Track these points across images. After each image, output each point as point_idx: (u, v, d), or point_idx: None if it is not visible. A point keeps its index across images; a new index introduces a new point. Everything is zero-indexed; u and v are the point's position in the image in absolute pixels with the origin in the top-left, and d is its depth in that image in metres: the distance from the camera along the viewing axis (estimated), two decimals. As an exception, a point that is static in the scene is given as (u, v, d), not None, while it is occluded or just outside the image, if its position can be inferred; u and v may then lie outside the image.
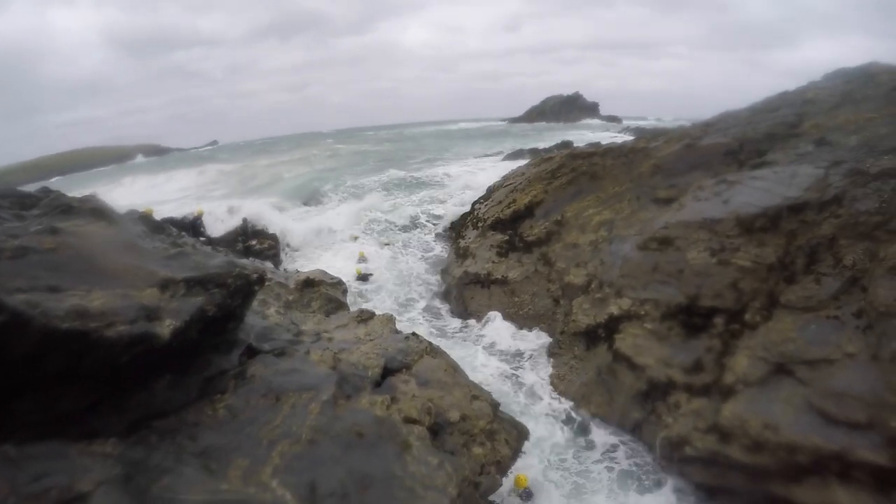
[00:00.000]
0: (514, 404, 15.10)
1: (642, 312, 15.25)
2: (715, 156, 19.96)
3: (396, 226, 33.34)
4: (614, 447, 13.81)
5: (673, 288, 15.06)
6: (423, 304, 23.94)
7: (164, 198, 46.86)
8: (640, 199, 19.48)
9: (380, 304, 22.87)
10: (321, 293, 16.16)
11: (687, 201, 17.48)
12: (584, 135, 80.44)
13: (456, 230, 28.75)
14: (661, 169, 20.72)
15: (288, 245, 30.68)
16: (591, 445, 13.94)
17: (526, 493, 11.64)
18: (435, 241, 30.90)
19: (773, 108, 22.68)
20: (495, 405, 11.05)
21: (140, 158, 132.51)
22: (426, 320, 22.08)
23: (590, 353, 16.31)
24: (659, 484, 12.56)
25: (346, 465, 7.27)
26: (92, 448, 5.59)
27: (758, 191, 15.97)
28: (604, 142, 30.97)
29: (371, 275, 26.09)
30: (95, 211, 8.33)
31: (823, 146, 17.46)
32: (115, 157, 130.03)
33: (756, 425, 11.28)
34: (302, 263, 27.17)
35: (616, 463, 13.37)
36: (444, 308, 23.40)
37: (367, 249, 29.03)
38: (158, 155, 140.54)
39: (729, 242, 14.80)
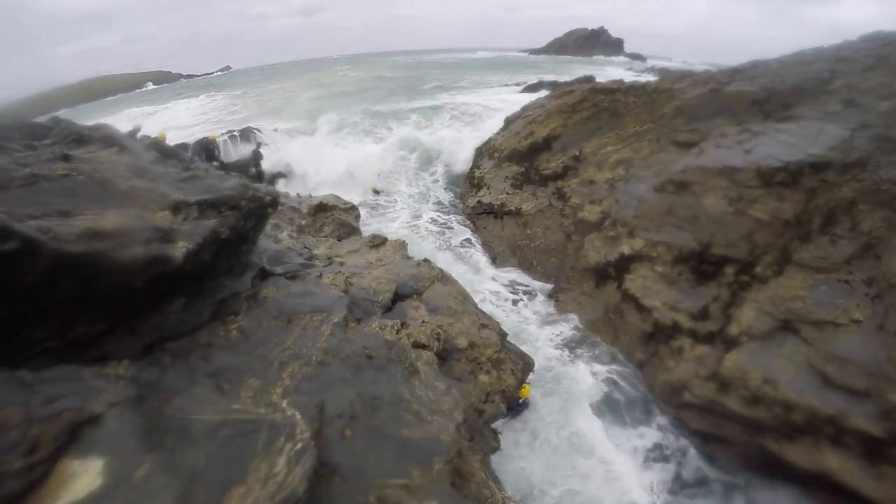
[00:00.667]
0: (517, 331, 15.23)
1: (654, 255, 15.33)
2: (741, 104, 19.50)
3: (413, 154, 32.90)
4: (612, 379, 14.04)
5: (687, 233, 15.05)
6: (433, 215, 24.22)
7: (176, 124, 46.57)
8: (660, 140, 19.24)
9: (393, 217, 23.17)
10: (334, 218, 16.29)
11: (708, 147, 17.23)
12: (606, 71, 78.38)
13: (472, 160, 28.48)
14: (683, 111, 20.38)
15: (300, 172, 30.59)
16: (590, 375, 14.15)
17: (523, 404, 11.86)
18: (449, 170, 30.57)
19: (805, 62, 21.94)
20: (503, 335, 11.19)
21: (150, 86, 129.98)
22: (435, 233, 22.43)
23: (598, 291, 16.46)
24: (648, 419, 12.89)
25: (355, 387, 7.41)
26: (106, 371, 5.70)
27: (782, 144, 15.69)
28: (627, 80, 30.16)
29: (382, 191, 26.63)
30: (107, 138, 8.35)
31: (852, 107, 16.94)
32: (124, 87, 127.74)
33: (756, 378, 11.46)
34: (314, 187, 27.07)
35: (612, 393, 13.62)
36: (455, 219, 23.71)
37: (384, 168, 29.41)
38: (169, 82, 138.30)
39: (747, 193, 14.67)
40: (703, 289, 14.08)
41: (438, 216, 24.23)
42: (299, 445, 5.33)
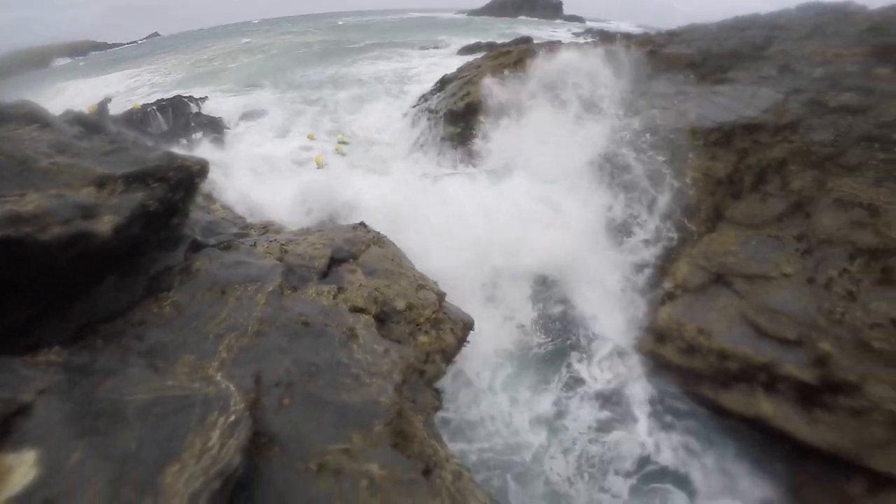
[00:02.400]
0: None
1: None
2: (676, 65, 19.94)
3: (350, 121, 32.19)
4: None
5: None
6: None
7: (104, 94, 44.64)
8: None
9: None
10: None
11: (643, 108, 17.59)
12: (544, 32, 78.37)
13: (408, 121, 28.25)
14: (621, 73, 20.69)
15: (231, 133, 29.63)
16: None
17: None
18: (394, 131, 30.06)
19: (742, 27, 22.61)
20: (441, 295, 11.25)
21: (63, 60, 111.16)
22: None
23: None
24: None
25: (292, 354, 7.41)
26: (37, 359, 5.63)
27: (716, 106, 16.22)
28: (565, 41, 30.24)
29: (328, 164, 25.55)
30: (28, 115, 8.07)
31: (787, 73, 17.72)
32: (32, 62, 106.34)
33: (691, 330, 12.01)
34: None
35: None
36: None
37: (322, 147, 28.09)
38: (97, 50, 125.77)
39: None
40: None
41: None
42: (233, 417, 5.37)
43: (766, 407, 11.06)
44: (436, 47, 60.08)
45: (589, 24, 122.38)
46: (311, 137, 26.06)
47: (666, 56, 20.69)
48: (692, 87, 17.98)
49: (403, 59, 50.02)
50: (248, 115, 31.37)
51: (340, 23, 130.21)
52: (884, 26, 19.06)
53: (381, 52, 56.23)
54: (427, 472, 7.18)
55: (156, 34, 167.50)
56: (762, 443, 11.48)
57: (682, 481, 11.45)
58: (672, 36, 24.52)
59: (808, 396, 10.82)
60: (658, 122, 16.64)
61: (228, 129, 28.95)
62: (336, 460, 5.99)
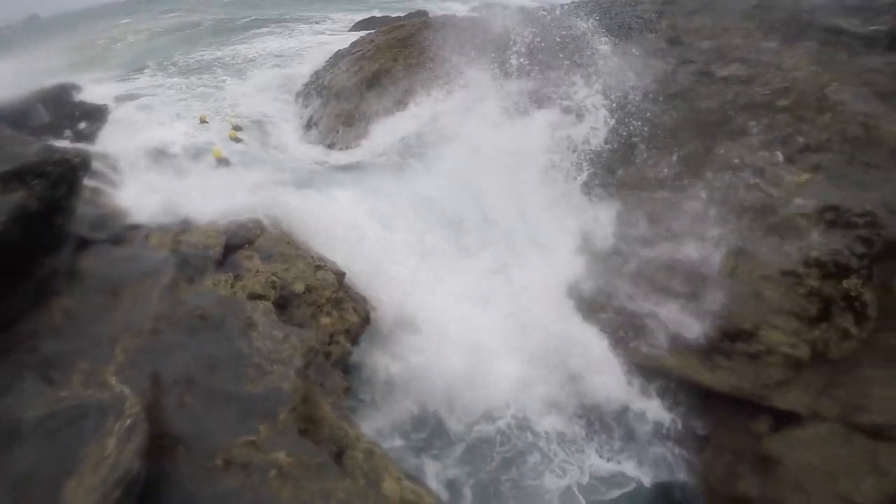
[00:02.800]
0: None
1: None
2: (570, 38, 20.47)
3: (242, 103, 30.61)
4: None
5: None
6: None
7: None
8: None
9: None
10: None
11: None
12: (442, 5, 77.73)
13: (301, 100, 27.46)
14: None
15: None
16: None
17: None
18: (287, 112, 29.01)
19: (634, 2, 23.35)
20: (340, 274, 11.22)
21: None
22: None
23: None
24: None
25: (191, 349, 7.36)
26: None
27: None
28: (459, 14, 30.15)
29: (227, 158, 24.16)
30: None
31: (676, 45, 18.17)
32: None
33: None
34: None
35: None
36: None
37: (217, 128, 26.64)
38: None
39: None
40: None
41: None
42: (128, 422, 5.34)
43: (670, 361, 11.69)
44: (329, 22, 58.44)
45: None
46: (203, 120, 24.65)
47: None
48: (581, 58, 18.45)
49: (295, 35, 48.15)
50: (133, 101, 29.56)
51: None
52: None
53: (272, 28, 53.89)
54: (339, 455, 7.32)
55: (35, 16, 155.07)
56: (673, 391, 12.06)
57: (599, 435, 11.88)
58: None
59: (707, 345, 11.45)
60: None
61: (113, 116, 27.31)
62: (243, 453, 6.04)
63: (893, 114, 13.75)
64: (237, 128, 23.52)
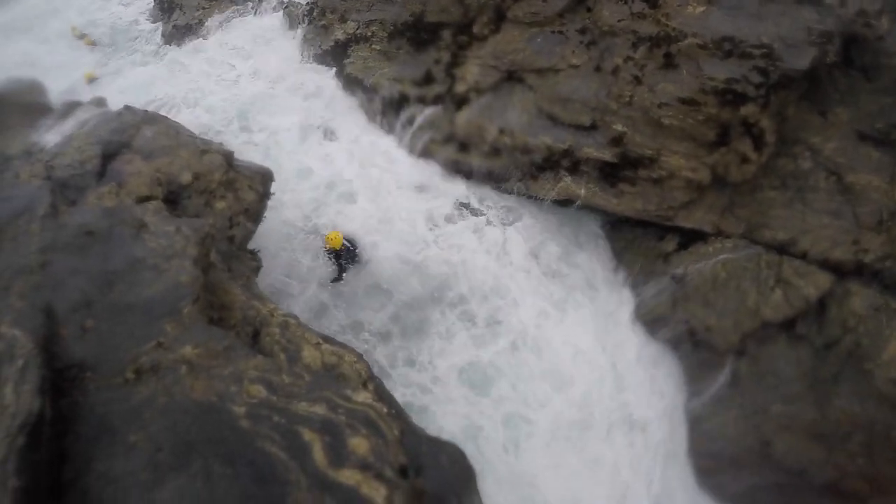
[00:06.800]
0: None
1: (369, 34, 15.48)
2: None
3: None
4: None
5: (398, 6, 15.23)
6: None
7: None
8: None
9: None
10: (17, 104, 14.20)
11: None
12: None
13: None
14: None
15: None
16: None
17: (346, 255, 11.45)
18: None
19: None
20: (228, 154, 10.89)
21: None
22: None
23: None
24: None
25: (84, 271, 7.14)
26: None
27: None
28: None
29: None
30: None
31: None
32: None
33: (492, 131, 12.55)
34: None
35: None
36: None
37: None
38: None
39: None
40: (423, 56, 14.57)
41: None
42: (20, 363, 5.24)
43: (575, 188, 12.02)
44: None
45: None
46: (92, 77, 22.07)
47: None
48: None
49: None
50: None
51: None
52: None
53: None
54: (256, 335, 7.41)
55: None
56: (581, 220, 12.80)
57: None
58: None
59: (611, 174, 11.82)
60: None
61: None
62: (152, 358, 5.97)
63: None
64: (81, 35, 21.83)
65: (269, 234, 11.65)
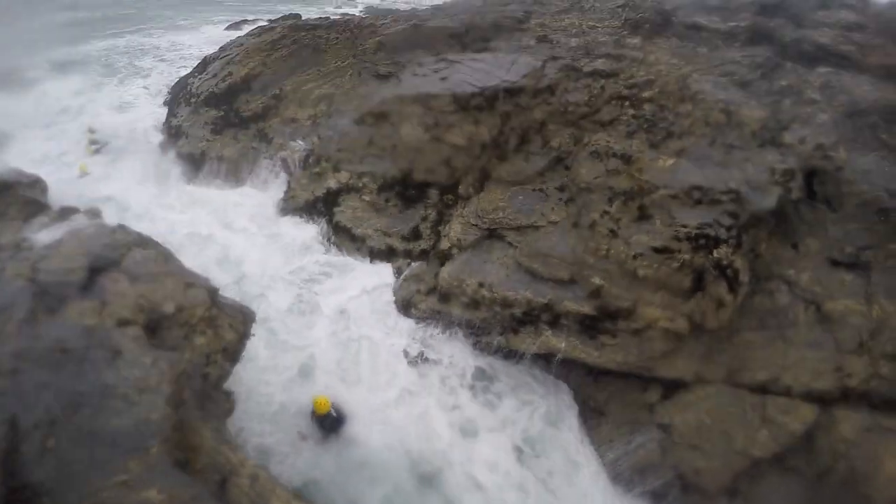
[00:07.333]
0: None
1: (360, 185, 16.01)
2: (439, 37, 20.69)
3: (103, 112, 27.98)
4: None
5: (388, 162, 15.95)
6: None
7: None
8: (361, 74, 19.41)
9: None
10: (18, 197, 14.12)
11: (405, 76, 17.95)
12: (317, 9, 76.21)
13: (168, 107, 25.95)
14: (385, 46, 20.91)
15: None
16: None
17: (331, 421, 10.68)
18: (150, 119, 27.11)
19: (503, 3, 24.15)
20: (213, 290, 10.67)
21: None
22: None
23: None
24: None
25: (53, 388, 6.83)
26: None
27: (477, 71, 17.09)
28: (334, 16, 29.61)
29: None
30: None
31: (545, 42, 19.11)
32: None
33: (472, 284, 12.59)
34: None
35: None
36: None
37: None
38: None
39: (444, 119, 15.79)
40: (410, 212, 15.22)
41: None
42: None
43: (556, 342, 11.89)
44: (201, 23, 55.81)
45: (362, 2, 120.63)
46: (84, 171, 22.08)
47: (429, 29, 21.07)
48: (454, 55, 18.61)
49: (164, 36, 45.94)
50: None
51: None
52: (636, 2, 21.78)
53: (139, 25, 50.97)
54: (224, 483, 6.99)
55: None
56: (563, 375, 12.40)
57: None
58: (437, 10, 25.82)
59: (592, 326, 11.81)
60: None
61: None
62: (113, 495, 5.65)
63: (753, 100, 14.84)
64: (94, 142, 22.21)
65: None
